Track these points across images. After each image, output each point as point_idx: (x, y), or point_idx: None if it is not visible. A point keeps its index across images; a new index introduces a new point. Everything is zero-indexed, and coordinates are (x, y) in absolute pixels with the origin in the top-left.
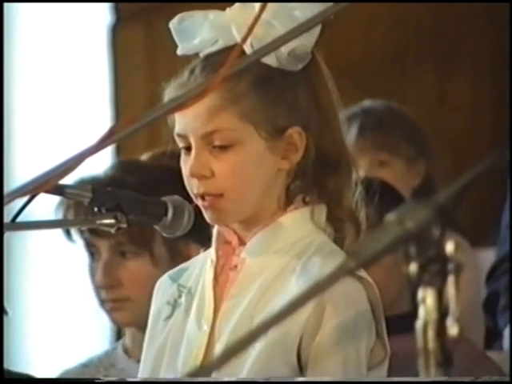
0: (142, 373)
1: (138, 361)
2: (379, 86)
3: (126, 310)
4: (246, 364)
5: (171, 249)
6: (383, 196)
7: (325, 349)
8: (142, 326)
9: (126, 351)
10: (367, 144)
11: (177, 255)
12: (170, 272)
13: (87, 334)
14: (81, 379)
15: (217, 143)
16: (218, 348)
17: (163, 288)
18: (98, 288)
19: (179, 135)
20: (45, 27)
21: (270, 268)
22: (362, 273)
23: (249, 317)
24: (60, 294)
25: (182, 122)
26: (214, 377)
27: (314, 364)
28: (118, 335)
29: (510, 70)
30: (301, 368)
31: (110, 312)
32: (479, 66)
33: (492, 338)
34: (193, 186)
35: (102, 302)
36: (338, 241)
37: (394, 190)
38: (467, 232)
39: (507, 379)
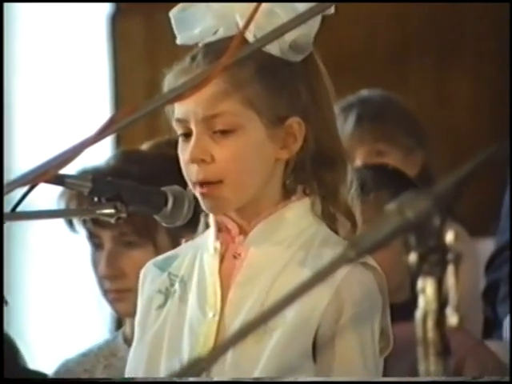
0: (136, 363)
1: None
2: (380, 80)
3: (129, 301)
4: (265, 351)
5: (174, 240)
6: (397, 182)
7: (344, 336)
8: None
9: (125, 340)
10: (365, 134)
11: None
12: (155, 260)
13: (87, 323)
14: (81, 379)
15: (218, 127)
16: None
17: (151, 277)
18: (101, 278)
19: (179, 120)
20: (44, 19)
21: (278, 258)
22: (372, 262)
23: (260, 306)
24: (60, 283)
25: (183, 107)
26: (228, 362)
27: (332, 351)
28: (118, 325)
29: (510, 67)
30: (314, 356)
31: (113, 302)
32: (479, 62)
33: (491, 327)
34: (191, 173)
35: (105, 293)
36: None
37: (406, 177)
38: (466, 222)
39: (507, 379)
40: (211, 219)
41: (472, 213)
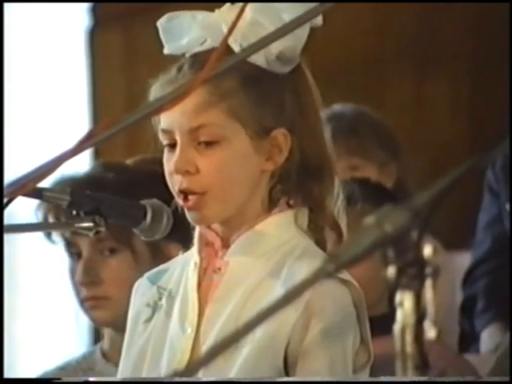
0: (123, 375)
1: (116, 364)
2: (358, 90)
3: (106, 309)
4: (234, 368)
5: (152, 247)
6: (378, 196)
7: (312, 352)
8: (120, 328)
9: (104, 355)
10: (339, 149)
11: (157, 254)
12: (148, 274)
13: (65, 336)
14: (79, 379)
15: (203, 139)
16: (204, 352)
17: (142, 290)
18: (78, 285)
19: (164, 131)
20: (22, 31)
21: (255, 272)
22: (347, 276)
23: (234, 320)
24: (38, 296)
25: (168, 118)
26: (200, 377)
27: (301, 366)
28: (97, 338)
29: (511, 69)
30: (287, 372)
31: (90, 310)
32: (457, 72)
33: (467, 341)
34: (175, 182)
35: (82, 301)
36: (319, 246)
37: (387, 191)
38: (441, 236)
39: (507, 379)
40: (196, 233)
41: (446, 226)
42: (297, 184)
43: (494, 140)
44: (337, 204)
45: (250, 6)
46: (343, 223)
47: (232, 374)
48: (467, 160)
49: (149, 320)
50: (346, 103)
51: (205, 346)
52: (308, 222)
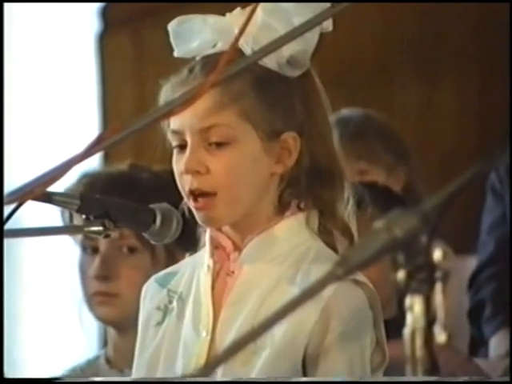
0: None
1: (121, 371)
2: (365, 94)
3: (113, 306)
4: (253, 372)
5: (169, 252)
6: (386, 199)
7: (331, 353)
8: (122, 328)
9: (108, 361)
10: (346, 153)
11: (172, 260)
12: (156, 276)
13: (71, 341)
14: (81, 379)
15: (213, 139)
16: (219, 352)
17: (151, 293)
18: (91, 279)
19: (174, 132)
20: (32, 35)
21: (269, 276)
22: (363, 278)
23: (250, 324)
24: (43, 299)
25: (179, 119)
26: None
27: (321, 368)
28: (103, 343)
29: (511, 70)
30: (304, 374)
31: (97, 306)
32: (464, 76)
33: (477, 345)
34: (186, 183)
35: (91, 296)
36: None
37: (396, 194)
38: (449, 239)
39: (507, 379)
40: (207, 236)
41: (454, 230)
42: (306, 188)
43: (502, 144)
44: (347, 208)
45: (260, 10)
46: (354, 228)
47: (252, 377)
48: (475, 164)
49: (160, 323)
50: (354, 107)
51: (221, 350)
52: (318, 224)
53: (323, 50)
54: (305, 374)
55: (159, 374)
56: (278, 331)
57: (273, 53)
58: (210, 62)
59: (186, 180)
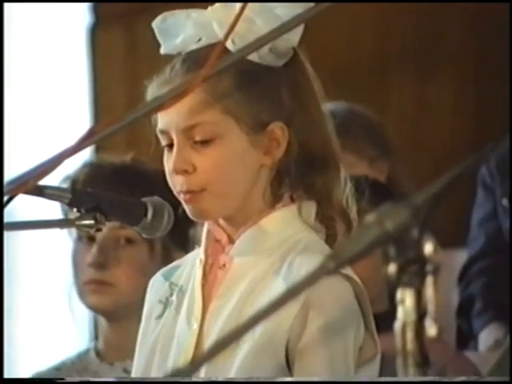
0: (135, 373)
1: (111, 364)
2: (361, 91)
3: (107, 295)
4: (235, 364)
5: (165, 249)
6: (375, 193)
7: (311, 348)
8: (113, 319)
9: (98, 354)
10: None
11: (168, 256)
12: (163, 270)
13: (62, 335)
14: (80, 379)
15: (198, 138)
16: (205, 350)
17: (156, 286)
18: (86, 266)
19: (161, 131)
20: (23, 30)
21: (258, 267)
22: (349, 271)
23: (236, 316)
24: (32, 294)
25: (164, 118)
26: (203, 377)
27: (301, 363)
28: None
29: (511, 70)
30: (289, 369)
31: (89, 294)
32: (461, 72)
33: (466, 339)
34: (176, 183)
35: (85, 284)
36: (331, 238)
37: (384, 187)
38: (439, 233)
39: (507, 379)
40: (204, 229)
41: (444, 223)
42: (298, 177)
43: (494, 140)
44: (345, 191)
45: (242, 3)
46: (354, 210)
47: (233, 371)
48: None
49: (160, 316)
50: (346, 102)
51: (208, 343)
52: (316, 214)
53: (318, 48)
54: (289, 369)
55: (154, 367)
56: (258, 326)
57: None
58: (189, 58)
59: (176, 180)
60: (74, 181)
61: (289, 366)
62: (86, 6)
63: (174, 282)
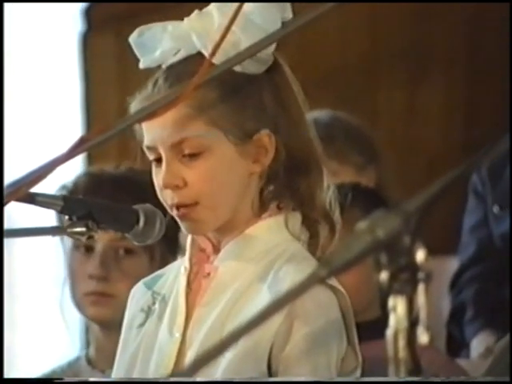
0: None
1: (102, 371)
2: (351, 95)
3: (106, 307)
4: (217, 373)
5: (164, 258)
6: (366, 200)
7: (295, 358)
8: (112, 328)
9: (89, 362)
10: None
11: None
12: (145, 279)
13: (55, 342)
14: (80, 379)
15: (186, 152)
16: (189, 356)
17: (138, 295)
18: (87, 278)
19: (148, 147)
20: (15, 34)
21: (243, 276)
22: (333, 282)
23: (220, 325)
24: (23, 302)
25: (150, 134)
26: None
27: (284, 372)
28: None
29: (511, 69)
30: (271, 376)
31: (89, 305)
32: (452, 75)
33: (457, 346)
34: (167, 197)
35: (84, 295)
36: (313, 244)
37: (379, 195)
38: (430, 240)
39: (507, 379)
40: (188, 238)
41: (435, 231)
42: (285, 182)
43: (484, 146)
44: (328, 194)
45: (217, 12)
46: (336, 213)
47: (216, 378)
48: (460, 165)
49: (142, 325)
50: (339, 109)
51: (191, 351)
52: (302, 218)
53: (309, 51)
54: (271, 376)
55: (135, 375)
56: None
57: (232, 54)
58: (171, 73)
59: (167, 195)
60: (72, 190)
61: (270, 374)
62: (78, 11)
63: (157, 290)
